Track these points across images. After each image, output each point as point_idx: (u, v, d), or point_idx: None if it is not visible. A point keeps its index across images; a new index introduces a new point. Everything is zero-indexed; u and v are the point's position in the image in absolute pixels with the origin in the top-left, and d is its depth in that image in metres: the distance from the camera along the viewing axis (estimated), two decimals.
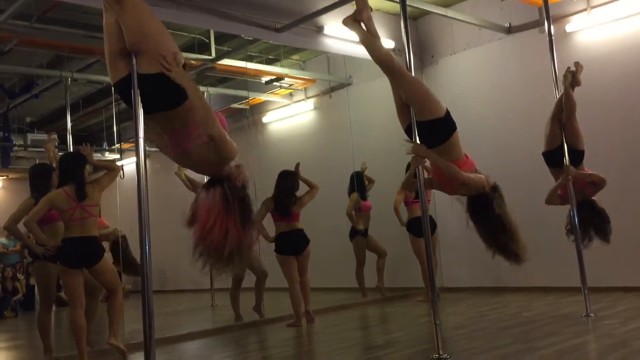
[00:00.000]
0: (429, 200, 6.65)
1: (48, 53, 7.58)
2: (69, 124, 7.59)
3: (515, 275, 6.91)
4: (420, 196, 4.14)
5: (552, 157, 5.35)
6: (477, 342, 4.46)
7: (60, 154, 5.51)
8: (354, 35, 4.01)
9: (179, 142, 2.76)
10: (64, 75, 7.62)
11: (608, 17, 6.73)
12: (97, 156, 5.87)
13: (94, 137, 10.83)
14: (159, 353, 3.29)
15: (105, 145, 10.72)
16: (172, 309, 8.49)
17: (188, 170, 5.13)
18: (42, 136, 9.21)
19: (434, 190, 6.00)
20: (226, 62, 7.90)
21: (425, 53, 8.46)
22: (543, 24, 6.28)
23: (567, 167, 5.20)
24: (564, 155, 5.24)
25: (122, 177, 5.18)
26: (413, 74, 4.11)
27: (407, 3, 4.26)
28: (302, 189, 6.33)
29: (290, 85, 9.46)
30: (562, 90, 5.28)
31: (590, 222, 5.18)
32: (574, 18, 6.99)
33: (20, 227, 4.81)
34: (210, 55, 7.65)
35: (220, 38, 7.72)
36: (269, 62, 8.80)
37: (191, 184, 6.25)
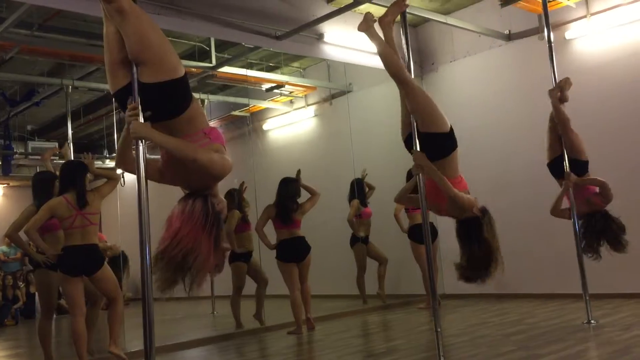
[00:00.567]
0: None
1: (49, 61, 7.61)
2: (70, 132, 7.60)
3: (516, 282, 6.90)
4: (421, 203, 4.13)
5: (555, 168, 5.34)
6: (478, 350, 4.45)
7: (61, 161, 5.53)
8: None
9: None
10: (65, 83, 7.65)
11: (608, 24, 6.74)
12: (97, 164, 5.89)
13: (94, 144, 10.87)
14: None
15: (105, 153, 10.76)
16: (172, 316, 8.47)
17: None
18: (43, 144, 9.25)
19: None
20: (227, 69, 7.93)
21: (425, 60, 8.48)
22: (543, 31, 6.29)
23: (567, 174, 5.19)
24: (564, 165, 5.23)
25: (122, 184, 5.20)
26: None
27: (407, 10, 4.28)
28: (303, 196, 6.35)
29: (291, 92, 9.49)
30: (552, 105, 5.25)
31: (606, 233, 5.03)
32: (573, 25, 7.01)
33: (22, 234, 4.82)
34: (211, 62, 7.68)
35: (221, 46, 7.75)
36: (269, 69, 8.84)
37: None
